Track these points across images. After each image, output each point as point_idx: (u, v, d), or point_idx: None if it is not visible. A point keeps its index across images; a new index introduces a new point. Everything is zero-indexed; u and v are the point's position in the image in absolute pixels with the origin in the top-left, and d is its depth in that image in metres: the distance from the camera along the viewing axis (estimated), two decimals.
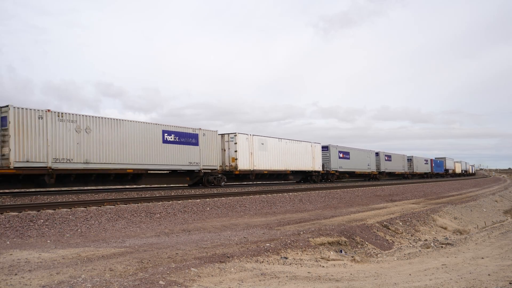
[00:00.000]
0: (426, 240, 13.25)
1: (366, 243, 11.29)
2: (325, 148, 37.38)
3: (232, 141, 26.29)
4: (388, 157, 51.56)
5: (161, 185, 24.35)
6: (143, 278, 5.87)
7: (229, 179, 27.31)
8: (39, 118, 16.33)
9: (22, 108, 15.97)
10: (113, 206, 13.20)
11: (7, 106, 15.66)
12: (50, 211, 11.79)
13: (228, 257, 7.66)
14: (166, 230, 11.07)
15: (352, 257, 9.52)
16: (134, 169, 19.94)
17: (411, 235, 13.67)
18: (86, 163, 17.89)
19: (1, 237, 9.23)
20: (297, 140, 32.54)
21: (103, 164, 18.55)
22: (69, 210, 12.08)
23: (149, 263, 6.91)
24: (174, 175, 23.56)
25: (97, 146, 18.37)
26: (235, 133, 26.36)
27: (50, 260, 6.94)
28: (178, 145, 22.43)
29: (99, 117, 18.65)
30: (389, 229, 13.44)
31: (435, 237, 13.83)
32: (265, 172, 28.65)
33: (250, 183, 30.25)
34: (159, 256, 7.50)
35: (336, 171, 38.46)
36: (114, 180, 20.41)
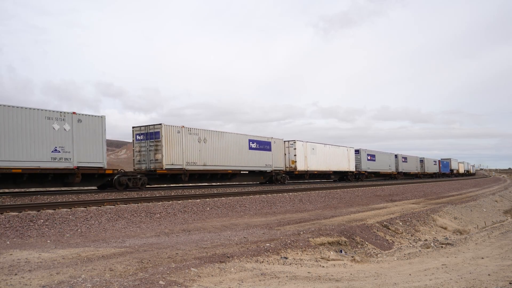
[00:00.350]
0: (426, 240, 13.25)
1: (366, 243, 11.29)
2: (357, 152, 42.86)
3: (292, 146, 32.05)
4: (404, 159, 56.99)
5: (246, 183, 29.83)
6: (143, 278, 5.87)
7: (289, 178, 32.57)
8: (177, 132, 21.96)
9: (168, 125, 21.50)
10: (113, 206, 13.20)
11: (160, 124, 21.25)
12: (50, 211, 11.78)
13: (228, 257, 7.66)
14: (166, 230, 11.07)
15: (352, 257, 9.52)
16: (232, 170, 25.90)
17: (411, 235, 13.67)
18: (204, 165, 23.76)
19: (1, 237, 9.23)
20: (337, 145, 38.31)
21: (214, 166, 24.47)
22: (69, 210, 12.08)
23: (149, 263, 6.91)
24: (253, 174, 29.15)
25: (211, 153, 24.22)
26: (294, 140, 32.09)
27: (50, 260, 6.94)
28: (259, 151, 28.54)
29: (210, 130, 24.52)
30: (389, 229, 13.44)
31: (435, 237, 13.83)
32: (315, 172, 34.58)
33: (306, 181, 35.30)
34: (159, 256, 7.50)
35: (366, 171, 43.78)
36: (220, 178, 26.19)
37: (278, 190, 22.97)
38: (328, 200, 20.82)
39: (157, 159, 21.02)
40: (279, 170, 30.37)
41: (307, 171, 33.12)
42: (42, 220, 10.55)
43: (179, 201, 15.47)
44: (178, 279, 6.01)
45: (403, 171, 54.90)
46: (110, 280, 5.73)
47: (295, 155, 31.79)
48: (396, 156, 53.16)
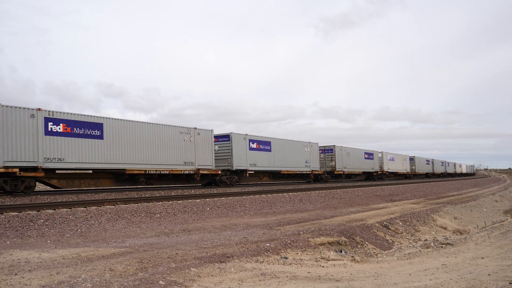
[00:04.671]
0: (426, 240, 13.25)
1: (366, 243, 11.29)
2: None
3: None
4: (448, 164, 74.01)
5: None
6: (143, 278, 5.87)
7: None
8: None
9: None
10: (113, 206, 13.20)
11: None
12: (50, 211, 11.78)
13: (228, 257, 7.66)
14: (166, 230, 11.07)
15: (352, 257, 9.52)
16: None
17: (411, 235, 13.67)
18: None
19: (1, 237, 9.23)
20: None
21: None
22: (69, 210, 12.08)
23: (149, 263, 6.91)
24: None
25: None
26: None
27: (50, 260, 6.94)
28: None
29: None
30: (389, 229, 13.44)
31: (435, 237, 13.83)
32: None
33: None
34: (159, 256, 7.49)
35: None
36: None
37: (278, 190, 22.96)
38: (328, 200, 20.81)
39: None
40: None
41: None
42: (42, 220, 10.55)
43: (179, 201, 15.47)
44: (178, 279, 6.01)
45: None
46: (110, 280, 5.72)
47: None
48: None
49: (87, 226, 10.83)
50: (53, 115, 16.81)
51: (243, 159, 26.64)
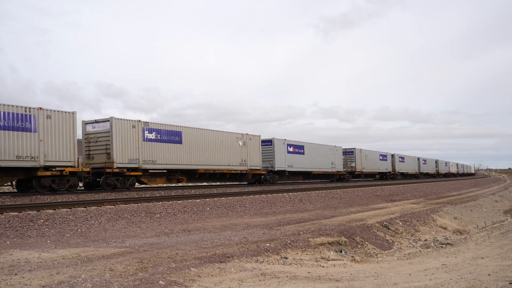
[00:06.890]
0: (426, 240, 13.25)
1: (366, 243, 11.29)
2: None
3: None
4: (463, 165, 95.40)
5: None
6: (143, 278, 5.87)
7: (443, 176, 48.79)
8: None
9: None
10: (113, 206, 13.20)
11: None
12: (50, 211, 11.78)
13: (228, 257, 7.66)
14: (166, 230, 11.07)
15: (352, 257, 9.52)
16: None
17: (411, 235, 13.67)
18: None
19: (1, 237, 9.23)
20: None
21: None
22: (69, 210, 12.08)
23: (149, 263, 6.91)
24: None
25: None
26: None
27: (50, 260, 6.94)
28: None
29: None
30: (389, 229, 13.44)
31: (435, 237, 13.83)
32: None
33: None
34: (159, 256, 7.50)
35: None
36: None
37: (278, 190, 22.96)
38: (328, 200, 20.81)
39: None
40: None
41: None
42: (42, 220, 10.55)
43: (179, 201, 15.47)
44: (178, 279, 6.02)
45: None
46: (110, 280, 5.73)
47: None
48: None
49: (87, 226, 10.83)
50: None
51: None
